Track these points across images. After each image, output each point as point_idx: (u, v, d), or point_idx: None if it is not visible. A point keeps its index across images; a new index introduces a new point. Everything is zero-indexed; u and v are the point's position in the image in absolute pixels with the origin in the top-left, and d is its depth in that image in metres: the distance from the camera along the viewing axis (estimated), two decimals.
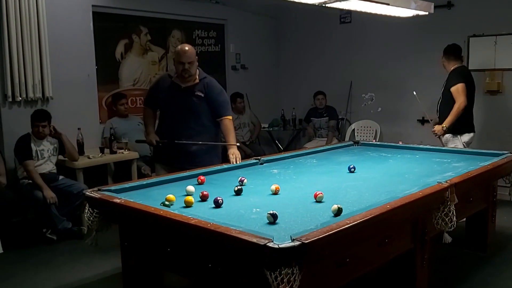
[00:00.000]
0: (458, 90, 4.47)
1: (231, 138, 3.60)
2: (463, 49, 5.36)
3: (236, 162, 3.45)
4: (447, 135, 4.61)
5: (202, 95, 3.61)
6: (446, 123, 4.50)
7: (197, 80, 3.63)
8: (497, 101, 5.30)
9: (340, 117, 6.56)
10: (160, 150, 3.75)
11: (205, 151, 3.68)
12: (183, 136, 3.60)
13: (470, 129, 4.66)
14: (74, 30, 5.01)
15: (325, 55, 6.76)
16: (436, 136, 4.64)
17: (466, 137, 4.64)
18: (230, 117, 3.69)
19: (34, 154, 4.26)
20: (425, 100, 5.13)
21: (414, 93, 4.75)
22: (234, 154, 3.50)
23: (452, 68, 4.63)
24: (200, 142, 3.60)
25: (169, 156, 3.70)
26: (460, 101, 4.45)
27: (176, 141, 3.59)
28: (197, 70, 3.65)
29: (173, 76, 3.68)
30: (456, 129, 4.56)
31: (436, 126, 4.62)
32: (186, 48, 3.57)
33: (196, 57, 3.63)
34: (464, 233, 3.81)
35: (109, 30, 5.41)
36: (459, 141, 4.62)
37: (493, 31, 5.25)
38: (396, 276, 2.87)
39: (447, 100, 4.55)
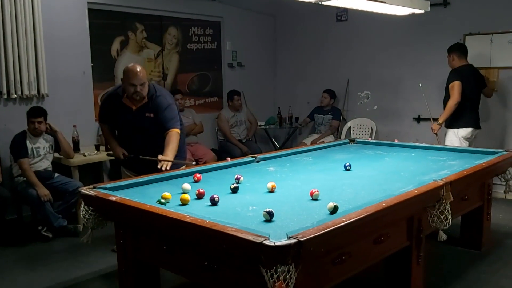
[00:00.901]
0: (453, 87, 4.69)
1: (169, 148, 3.26)
2: None
3: (163, 168, 3.12)
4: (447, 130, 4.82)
5: (152, 116, 3.42)
6: (441, 119, 4.75)
7: (146, 99, 3.42)
8: (492, 99, 5.32)
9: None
10: (127, 162, 3.65)
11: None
12: (147, 152, 3.43)
13: (467, 124, 4.76)
14: (70, 27, 4.99)
15: (321, 53, 6.76)
16: (434, 132, 4.80)
17: (463, 131, 4.74)
18: (177, 130, 3.41)
19: (29, 152, 4.25)
20: (422, 98, 5.15)
21: (420, 84, 4.80)
22: (164, 159, 3.16)
23: (455, 67, 4.78)
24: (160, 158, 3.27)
25: (137, 167, 3.56)
26: (453, 97, 4.66)
27: (140, 157, 3.44)
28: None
29: (122, 96, 3.45)
30: (450, 123, 4.78)
31: (434, 124, 4.77)
32: (138, 69, 3.35)
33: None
34: (459, 231, 3.82)
35: (105, 27, 5.39)
36: (454, 135, 4.76)
37: (489, 29, 5.26)
38: (392, 274, 2.88)
39: (448, 97, 4.73)
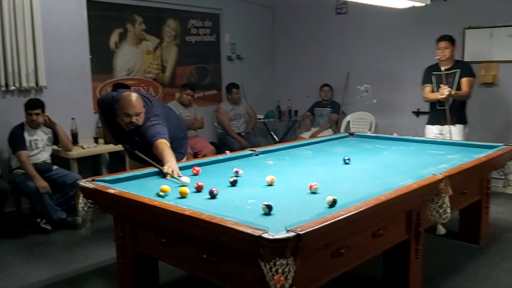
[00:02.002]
0: (473, 82, 4.58)
1: (165, 155, 3.04)
2: (459, 41, 5.38)
3: (172, 174, 2.88)
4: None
5: (140, 141, 3.28)
6: (455, 92, 4.49)
7: (139, 125, 3.23)
8: (492, 93, 5.31)
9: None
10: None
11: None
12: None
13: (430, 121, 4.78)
14: (68, 19, 4.96)
15: (321, 46, 6.74)
16: (440, 96, 4.49)
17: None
18: (162, 140, 3.14)
19: (28, 144, 4.24)
20: (419, 92, 5.12)
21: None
22: (170, 166, 2.93)
23: (456, 59, 4.66)
24: (156, 165, 3.10)
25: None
26: (469, 92, 4.55)
27: (136, 152, 3.33)
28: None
29: (117, 115, 3.26)
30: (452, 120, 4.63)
31: (446, 88, 4.46)
32: (133, 98, 3.15)
33: (143, 102, 3.26)
34: (458, 225, 3.83)
35: (103, 19, 5.36)
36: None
37: (489, 23, 5.25)
38: (390, 267, 2.89)
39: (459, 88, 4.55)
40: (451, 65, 4.60)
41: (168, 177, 2.87)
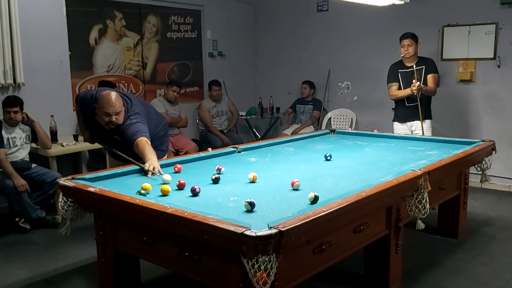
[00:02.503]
0: (437, 78, 4.71)
1: (146, 152, 3.02)
2: (438, 39, 5.46)
3: (153, 171, 2.87)
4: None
5: (120, 140, 3.25)
6: (425, 87, 4.55)
7: (119, 124, 3.19)
8: (469, 90, 5.41)
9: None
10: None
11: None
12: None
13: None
14: (47, 15, 4.87)
15: (302, 43, 6.76)
16: (414, 89, 4.51)
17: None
18: (143, 138, 3.11)
19: (5, 142, 4.16)
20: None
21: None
22: (151, 164, 2.92)
23: (420, 56, 4.73)
24: (136, 162, 3.07)
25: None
26: (435, 88, 4.67)
27: (114, 150, 3.31)
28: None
29: (96, 114, 3.22)
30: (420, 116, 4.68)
31: (418, 84, 4.51)
32: (113, 98, 3.11)
33: (123, 101, 3.21)
34: (437, 220, 3.90)
35: (83, 15, 5.28)
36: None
37: (467, 21, 5.33)
38: (371, 262, 2.92)
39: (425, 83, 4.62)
40: (415, 61, 4.67)
41: (150, 174, 2.86)
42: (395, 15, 5.55)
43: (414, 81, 4.51)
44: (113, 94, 3.16)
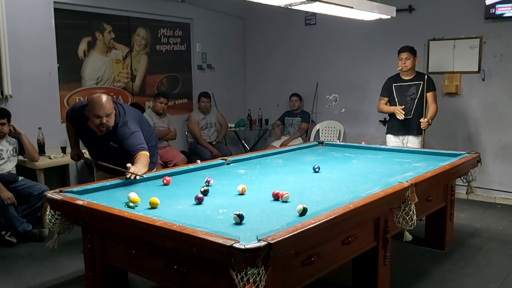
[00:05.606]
0: (436, 96, 4.74)
1: (139, 163, 3.07)
2: (424, 52, 5.55)
3: (132, 176, 2.94)
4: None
5: (116, 146, 3.24)
6: (430, 118, 4.65)
7: (111, 128, 3.21)
8: (455, 103, 5.49)
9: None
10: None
11: None
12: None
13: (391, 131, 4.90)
14: (35, 26, 4.87)
15: (290, 56, 6.83)
16: (422, 127, 4.65)
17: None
18: (145, 153, 3.18)
19: None
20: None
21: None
22: (137, 170, 2.98)
23: (417, 70, 4.78)
24: (122, 169, 3.05)
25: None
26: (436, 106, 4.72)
27: (100, 163, 3.30)
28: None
29: (88, 119, 3.24)
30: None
31: (422, 119, 4.63)
32: (104, 99, 3.13)
33: (113, 104, 3.23)
34: (424, 231, 3.93)
35: (72, 27, 5.28)
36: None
37: (452, 35, 5.43)
38: (359, 274, 2.94)
39: (424, 101, 4.67)
40: (412, 76, 4.73)
41: (128, 175, 2.91)
42: (382, 29, 5.64)
43: (422, 120, 4.61)
44: (104, 97, 3.18)
